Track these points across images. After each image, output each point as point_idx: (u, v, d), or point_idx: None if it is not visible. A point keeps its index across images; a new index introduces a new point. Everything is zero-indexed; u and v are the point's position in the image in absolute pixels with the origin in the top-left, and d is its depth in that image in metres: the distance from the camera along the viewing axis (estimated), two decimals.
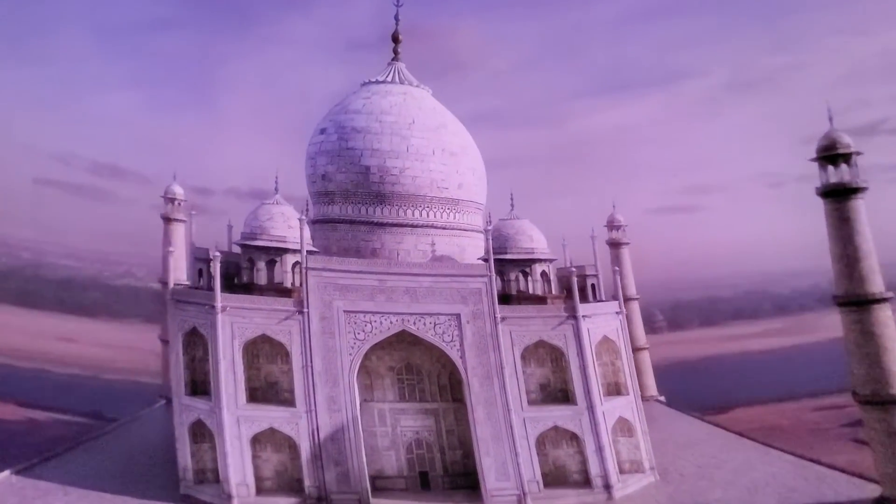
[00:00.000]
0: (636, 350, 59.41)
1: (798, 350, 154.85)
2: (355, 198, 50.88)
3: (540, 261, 47.25)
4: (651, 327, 75.74)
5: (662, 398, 72.68)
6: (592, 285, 50.86)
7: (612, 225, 71.86)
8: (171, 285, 46.05)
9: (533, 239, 47.72)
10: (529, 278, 47.48)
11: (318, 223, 52.31)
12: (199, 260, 50.20)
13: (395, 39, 56.33)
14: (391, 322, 42.76)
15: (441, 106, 55.06)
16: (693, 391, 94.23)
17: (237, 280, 46.72)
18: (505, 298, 45.03)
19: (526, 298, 46.26)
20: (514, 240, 47.46)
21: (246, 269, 46.58)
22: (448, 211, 51.75)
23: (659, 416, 61.49)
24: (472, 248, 52.04)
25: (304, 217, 44.52)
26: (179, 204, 71.33)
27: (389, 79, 55.28)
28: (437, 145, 51.54)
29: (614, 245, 71.51)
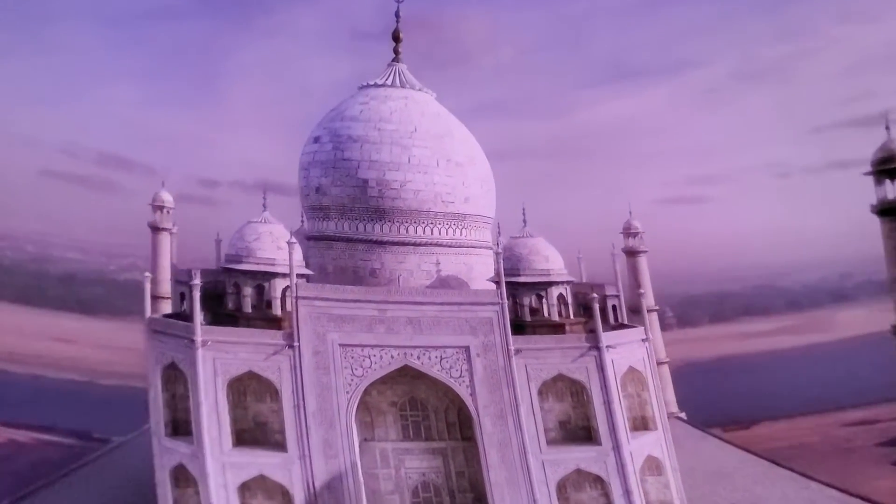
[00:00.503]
0: (659, 364, 55.20)
1: (814, 350, 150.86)
2: (352, 213, 46.24)
3: (556, 283, 42.69)
4: (661, 324, 71.08)
5: (683, 415, 68.74)
6: (614, 306, 46.52)
7: (628, 232, 67.44)
8: (149, 314, 41.37)
9: (548, 259, 43.19)
10: (544, 301, 43.02)
11: (313, 240, 47.84)
12: (181, 283, 45.94)
13: (396, 38, 51.45)
14: (392, 356, 38.33)
15: (446, 111, 50.28)
16: (711, 400, 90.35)
17: (224, 303, 42.51)
18: (518, 327, 40.59)
19: (542, 325, 41.77)
20: (528, 260, 42.94)
21: (231, 294, 42.21)
22: (454, 227, 47.09)
23: (683, 439, 57.21)
24: (481, 267, 47.55)
25: (293, 240, 39.87)
26: (168, 212, 67.06)
27: (389, 82, 50.40)
28: (441, 155, 46.76)
29: (631, 253, 67.16)
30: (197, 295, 38.20)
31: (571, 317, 43.32)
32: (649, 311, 62.37)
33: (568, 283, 43.46)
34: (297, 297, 38.26)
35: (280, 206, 47.65)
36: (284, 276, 40.46)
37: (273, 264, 41.14)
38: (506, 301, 39.02)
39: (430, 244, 46.15)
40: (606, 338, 39.82)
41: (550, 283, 42.46)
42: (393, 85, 49.98)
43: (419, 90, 50.10)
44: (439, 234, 46.49)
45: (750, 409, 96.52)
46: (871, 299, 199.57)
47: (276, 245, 41.54)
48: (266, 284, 41.44)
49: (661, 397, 42.96)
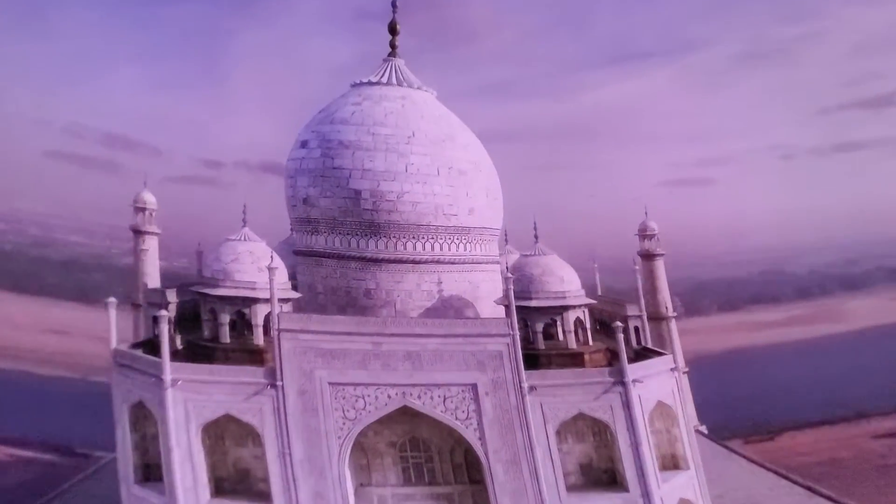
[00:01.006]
0: None
1: (827, 343, 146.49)
2: (344, 227, 41.26)
3: (574, 307, 37.90)
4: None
5: (704, 428, 63.99)
6: (636, 328, 41.89)
7: (643, 234, 62.45)
8: (114, 343, 36.60)
9: (564, 280, 38.41)
10: (559, 325, 38.36)
11: (301, 255, 43.06)
12: (154, 305, 41.24)
13: (393, 31, 46.07)
14: (389, 396, 33.63)
15: (447, 112, 45.05)
16: (727, 401, 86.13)
17: (201, 330, 37.93)
18: (531, 357, 35.89)
19: (558, 355, 37.04)
20: (541, 282, 38.14)
21: (208, 321, 37.54)
22: (457, 242, 42.09)
23: (708, 460, 52.30)
24: (488, 285, 42.79)
25: (275, 263, 35.00)
26: (152, 214, 61.92)
27: (385, 80, 45.00)
28: (442, 163, 41.57)
29: (647, 257, 62.14)
30: (165, 328, 33.44)
31: (590, 342, 38.61)
32: (668, 318, 58.01)
33: (586, 305, 38.68)
34: (278, 331, 33.53)
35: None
36: (267, 300, 35.67)
37: (253, 288, 36.41)
38: (517, 331, 34.25)
39: (431, 261, 41.23)
40: (632, 370, 35.09)
41: (567, 308, 37.66)
42: (389, 83, 44.61)
43: (418, 89, 44.82)
44: (441, 249, 41.52)
45: (768, 412, 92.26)
46: (882, 287, 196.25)
47: (256, 266, 36.79)
48: (246, 311, 36.75)
49: (692, 432, 38.31)
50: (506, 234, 48.75)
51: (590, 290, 47.86)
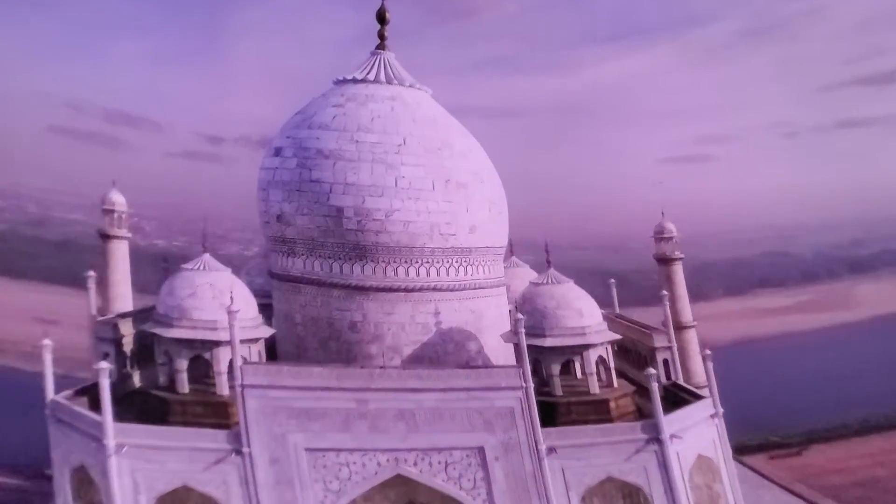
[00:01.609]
0: (697, 388, 44.97)
1: (840, 332, 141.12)
2: (324, 250, 35.06)
3: (595, 345, 32.09)
4: None
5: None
6: (665, 360, 36.21)
7: (660, 236, 56.49)
8: (51, 393, 30.70)
9: (583, 313, 32.55)
10: (577, 364, 32.73)
11: (277, 279, 37.15)
12: (104, 340, 35.57)
13: (381, 19, 39.65)
14: (379, 463, 27.94)
15: (444, 113, 38.60)
16: (743, 402, 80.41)
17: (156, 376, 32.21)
18: (547, 407, 30.17)
19: (579, 404, 31.27)
20: (555, 317, 32.26)
21: (163, 366, 31.79)
22: (456, 265, 35.78)
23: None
24: (493, 312, 36.91)
25: (235, 307, 28.94)
26: (121, 217, 55.61)
27: (372, 76, 38.30)
28: (438, 175, 35.09)
29: (664, 261, 56.28)
30: (106, 383, 27.62)
31: (614, 381, 32.84)
32: (687, 327, 52.45)
33: (610, 342, 32.89)
34: (242, 386, 27.73)
35: None
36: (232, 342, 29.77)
37: (214, 328, 30.55)
38: (531, 383, 28.47)
39: (426, 289, 35.05)
40: (669, 423, 29.45)
41: (587, 346, 31.83)
42: (377, 80, 37.91)
43: (410, 87, 38.26)
44: (437, 275, 35.32)
45: (785, 414, 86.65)
46: (889, 271, 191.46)
47: (218, 302, 30.87)
48: (207, 355, 30.97)
49: (737, 485, 32.56)
50: (510, 246, 42.81)
51: (604, 302, 42.64)
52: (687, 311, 55.41)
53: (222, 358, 30.43)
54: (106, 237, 54.65)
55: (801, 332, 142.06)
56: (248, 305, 31.78)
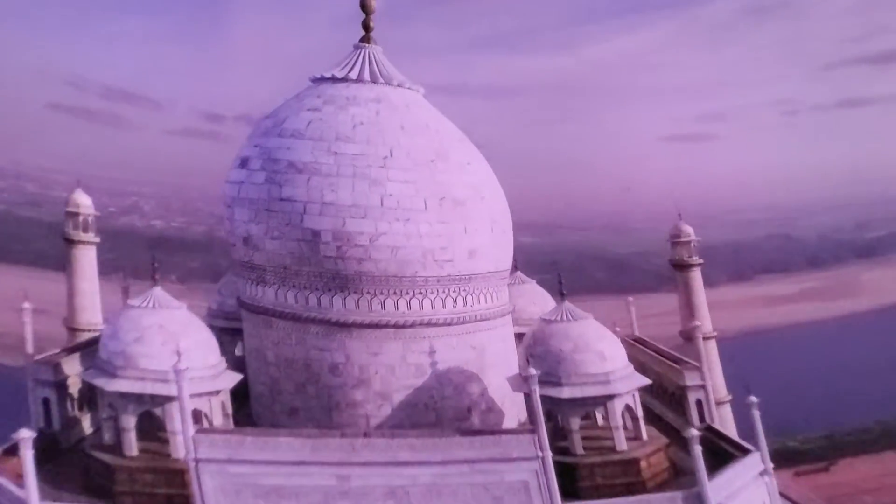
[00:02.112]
0: (718, 404, 40.12)
1: (850, 322, 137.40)
2: (299, 279, 29.71)
3: (622, 395, 27.11)
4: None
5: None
6: (698, 401, 31.41)
7: (676, 240, 51.40)
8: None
9: (605, 356, 27.50)
10: (598, 414, 27.85)
11: (247, 310, 32.06)
12: (43, 384, 30.61)
13: (365, 7, 34.13)
14: None
15: (437, 116, 32.82)
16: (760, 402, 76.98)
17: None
18: (565, 471, 25.21)
19: (605, 465, 26.33)
20: (573, 362, 27.17)
21: (108, 420, 26.84)
22: (454, 295, 30.31)
23: None
24: (497, 347, 31.78)
25: (182, 364, 23.57)
26: (87, 220, 50.35)
27: (355, 75, 32.42)
28: (431, 191, 29.52)
29: (681, 267, 51.26)
30: (30, 455, 22.44)
31: (643, 434, 27.92)
32: (706, 338, 47.54)
33: (638, 389, 27.94)
34: (196, 461, 22.69)
35: None
36: (193, 396, 24.72)
37: (166, 380, 25.40)
38: (549, 451, 23.45)
39: (419, 324, 29.66)
40: (714, 490, 24.54)
41: (612, 396, 26.85)
42: (360, 79, 32.01)
43: (398, 87, 32.55)
44: (432, 307, 29.92)
45: (805, 415, 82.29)
46: None
47: (169, 348, 25.79)
48: (158, 411, 26.01)
49: None
50: (515, 263, 37.57)
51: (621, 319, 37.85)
52: (707, 321, 50.65)
53: (176, 415, 25.30)
54: (70, 242, 49.79)
55: (811, 322, 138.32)
56: (206, 350, 26.97)
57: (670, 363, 33.58)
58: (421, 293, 29.70)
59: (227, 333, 34.25)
